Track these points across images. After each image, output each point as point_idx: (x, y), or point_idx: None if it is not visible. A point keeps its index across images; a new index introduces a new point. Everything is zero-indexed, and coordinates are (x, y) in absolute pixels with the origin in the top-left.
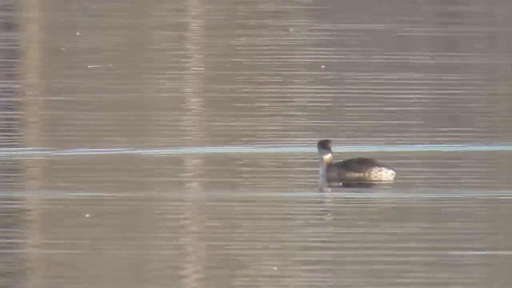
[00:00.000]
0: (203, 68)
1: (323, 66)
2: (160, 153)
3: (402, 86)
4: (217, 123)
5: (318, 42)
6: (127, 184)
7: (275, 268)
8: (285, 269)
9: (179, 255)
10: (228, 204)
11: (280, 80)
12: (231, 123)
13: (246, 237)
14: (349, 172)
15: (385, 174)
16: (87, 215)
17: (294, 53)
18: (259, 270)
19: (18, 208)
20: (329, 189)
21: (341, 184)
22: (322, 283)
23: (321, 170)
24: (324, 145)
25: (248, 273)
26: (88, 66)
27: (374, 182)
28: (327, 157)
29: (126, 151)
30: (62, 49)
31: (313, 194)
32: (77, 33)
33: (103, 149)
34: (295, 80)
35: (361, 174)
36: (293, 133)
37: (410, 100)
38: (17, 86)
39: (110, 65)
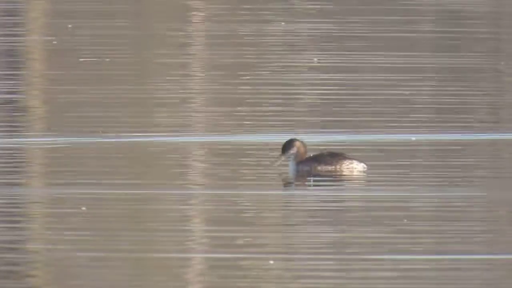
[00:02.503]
0: (205, 60)
1: (315, 59)
2: (158, 142)
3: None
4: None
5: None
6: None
7: (271, 262)
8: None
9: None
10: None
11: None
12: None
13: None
14: (321, 165)
15: (357, 167)
16: (83, 208)
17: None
18: (256, 263)
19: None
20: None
21: (312, 181)
22: (319, 274)
23: (290, 164)
24: (289, 145)
25: (245, 264)
26: (80, 60)
27: (347, 177)
28: (300, 149)
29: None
30: (54, 42)
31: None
32: (69, 26)
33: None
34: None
35: (333, 167)
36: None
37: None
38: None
39: (107, 59)
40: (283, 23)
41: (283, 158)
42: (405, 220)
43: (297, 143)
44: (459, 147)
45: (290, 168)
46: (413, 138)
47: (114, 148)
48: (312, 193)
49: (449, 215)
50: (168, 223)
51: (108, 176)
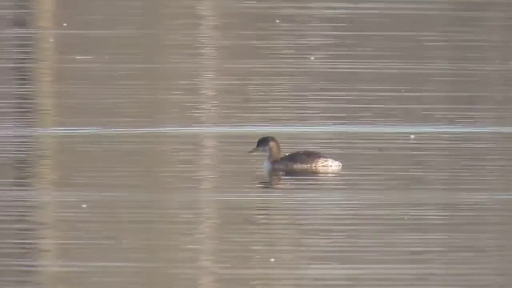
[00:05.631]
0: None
1: (312, 58)
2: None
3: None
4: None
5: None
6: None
7: (272, 260)
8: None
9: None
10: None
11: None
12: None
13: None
14: (296, 164)
15: (331, 165)
16: (84, 206)
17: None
18: (257, 262)
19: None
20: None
21: (287, 181)
22: (317, 274)
23: (265, 163)
24: (264, 142)
25: (248, 265)
26: (77, 58)
27: (322, 175)
28: (273, 149)
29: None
30: (51, 40)
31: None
32: (64, 24)
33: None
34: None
35: (308, 166)
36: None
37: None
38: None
39: (106, 57)
40: (277, 20)
41: (256, 151)
42: (406, 218)
43: (271, 143)
44: (463, 143)
45: (265, 168)
46: (412, 136)
47: (122, 141)
48: (304, 197)
49: (457, 222)
50: (176, 228)
51: (115, 177)
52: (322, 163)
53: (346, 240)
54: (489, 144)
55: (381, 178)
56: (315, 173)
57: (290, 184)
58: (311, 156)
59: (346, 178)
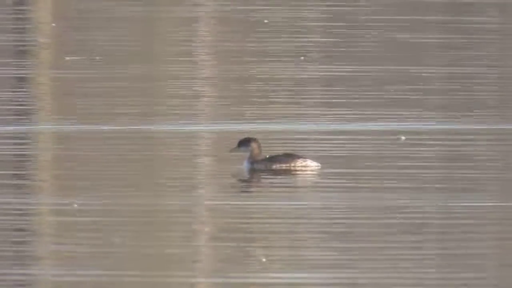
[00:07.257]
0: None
1: (302, 58)
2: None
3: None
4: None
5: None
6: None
7: (264, 260)
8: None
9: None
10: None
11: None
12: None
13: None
14: (276, 164)
15: (310, 165)
16: (75, 205)
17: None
18: (249, 260)
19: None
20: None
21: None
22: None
23: (245, 164)
24: (246, 142)
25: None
26: (66, 58)
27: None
28: (255, 150)
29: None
30: (42, 40)
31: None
32: (53, 25)
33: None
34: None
35: (287, 166)
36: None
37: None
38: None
39: (98, 58)
40: (266, 20)
41: (237, 151)
42: (397, 215)
43: (253, 144)
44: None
45: (245, 168)
46: (403, 138)
47: (120, 140)
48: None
49: (455, 230)
50: (171, 233)
51: (114, 182)
52: (301, 163)
53: (339, 245)
54: (482, 146)
55: (370, 179)
56: (294, 173)
57: (270, 183)
58: (290, 156)
59: (330, 180)
